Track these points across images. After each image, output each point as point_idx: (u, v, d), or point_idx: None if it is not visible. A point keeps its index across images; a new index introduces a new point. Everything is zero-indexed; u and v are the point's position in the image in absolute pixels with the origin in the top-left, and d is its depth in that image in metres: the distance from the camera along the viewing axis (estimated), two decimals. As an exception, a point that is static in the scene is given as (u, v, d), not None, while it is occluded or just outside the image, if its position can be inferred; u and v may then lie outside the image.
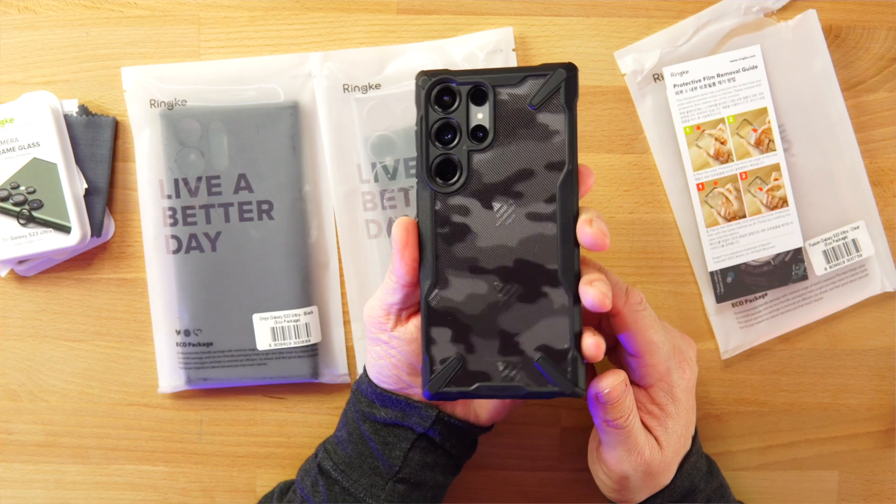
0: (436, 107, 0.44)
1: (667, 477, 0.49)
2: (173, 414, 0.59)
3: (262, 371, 0.57)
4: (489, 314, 0.44)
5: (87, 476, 0.59)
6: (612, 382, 0.44)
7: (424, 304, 0.44)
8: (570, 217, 0.43)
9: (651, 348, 0.47)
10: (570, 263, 0.43)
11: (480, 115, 0.44)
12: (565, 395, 0.43)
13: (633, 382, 0.48)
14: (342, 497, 0.49)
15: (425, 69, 0.45)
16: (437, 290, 0.44)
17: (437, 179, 0.44)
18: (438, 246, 0.44)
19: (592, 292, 0.42)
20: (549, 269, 0.43)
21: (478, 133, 0.44)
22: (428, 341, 0.44)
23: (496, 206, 0.44)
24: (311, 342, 0.57)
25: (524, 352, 0.44)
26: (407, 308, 0.46)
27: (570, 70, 0.43)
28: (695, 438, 0.51)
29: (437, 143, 0.44)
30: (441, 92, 0.44)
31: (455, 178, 0.44)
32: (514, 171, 0.44)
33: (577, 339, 0.43)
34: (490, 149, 0.44)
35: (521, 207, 0.44)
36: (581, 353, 0.43)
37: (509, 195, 0.44)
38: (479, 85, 0.44)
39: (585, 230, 0.42)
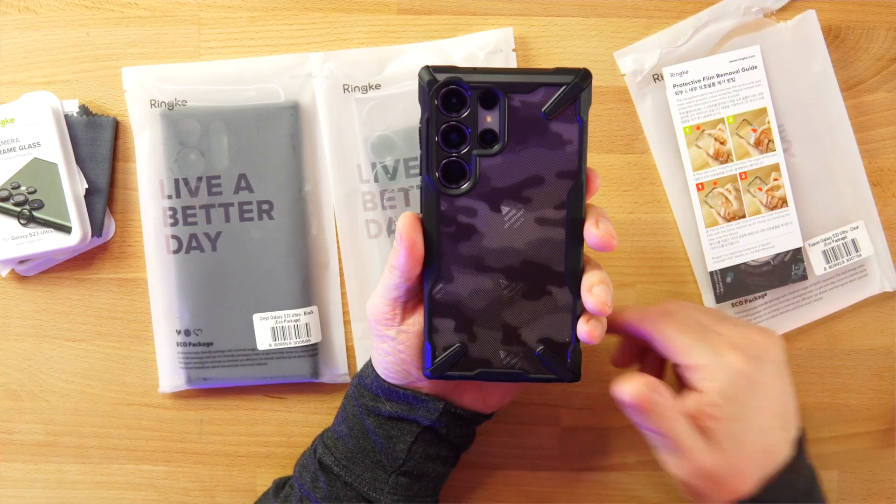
0: (443, 109, 0.43)
1: (740, 484, 0.45)
2: (174, 414, 0.59)
3: (263, 371, 0.58)
4: (493, 308, 0.45)
5: (87, 475, 0.59)
6: (630, 389, 0.43)
7: (428, 297, 0.45)
8: (578, 222, 0.44)
9: (671, 345, 0.46)
10: (577, 266, 0.44)
11: (490, 119, 0.43)
12: (564, 381, 0.45)
13: (691, 387, 0.47)
14: (344, 492, 0.49)
15: (429, 64, 0.43)
16: (441, 285, 0.45)
17: (444, 182, 0.44)
18: (444, 243, 0.44)
19: (592, 300, 0.43)
20: (556, 271, 0.44)
21: (487, 137, 0.43)
22: (430, 330, 0.45)
23: (504, 209, 0.44)
24: (312, 342, 0.58)
25: (526, 343, 0.45)
26: (412, 299, 0.46)
27: (585, 80, 0.42)
28: (800, 455, 0.47)
29: (443, 146, 0.43)
30: (449, 93, 0.43)
31: (463, 182, 0.44)
32: (524, 178, 0.43)
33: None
34: (500, 154, 0.43)
35: (531, 212, 0.44)
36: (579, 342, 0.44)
37: (518, 200, 0.44)
38: (491, 90, 0.43)
39: (592, 231, 0.43)
